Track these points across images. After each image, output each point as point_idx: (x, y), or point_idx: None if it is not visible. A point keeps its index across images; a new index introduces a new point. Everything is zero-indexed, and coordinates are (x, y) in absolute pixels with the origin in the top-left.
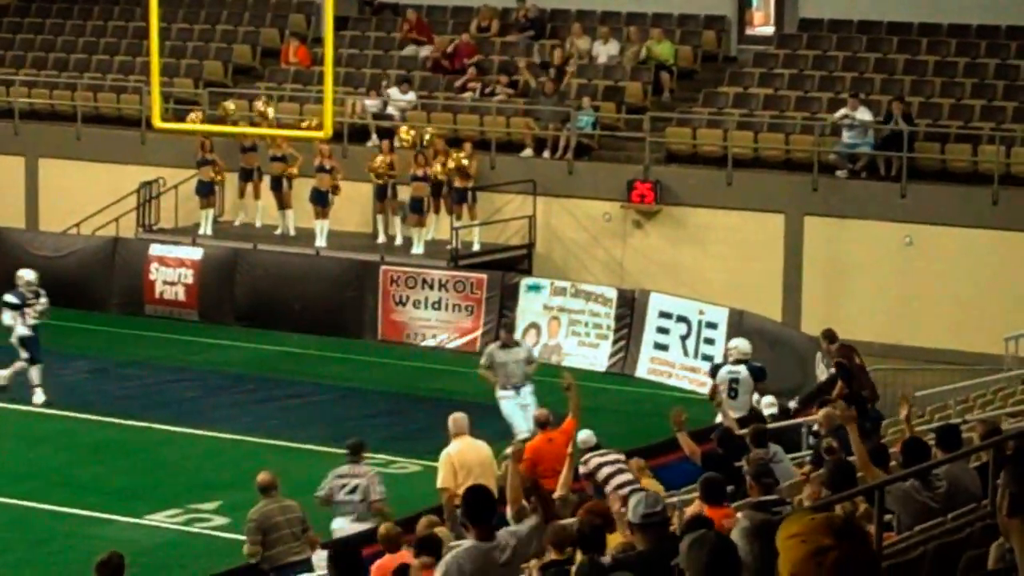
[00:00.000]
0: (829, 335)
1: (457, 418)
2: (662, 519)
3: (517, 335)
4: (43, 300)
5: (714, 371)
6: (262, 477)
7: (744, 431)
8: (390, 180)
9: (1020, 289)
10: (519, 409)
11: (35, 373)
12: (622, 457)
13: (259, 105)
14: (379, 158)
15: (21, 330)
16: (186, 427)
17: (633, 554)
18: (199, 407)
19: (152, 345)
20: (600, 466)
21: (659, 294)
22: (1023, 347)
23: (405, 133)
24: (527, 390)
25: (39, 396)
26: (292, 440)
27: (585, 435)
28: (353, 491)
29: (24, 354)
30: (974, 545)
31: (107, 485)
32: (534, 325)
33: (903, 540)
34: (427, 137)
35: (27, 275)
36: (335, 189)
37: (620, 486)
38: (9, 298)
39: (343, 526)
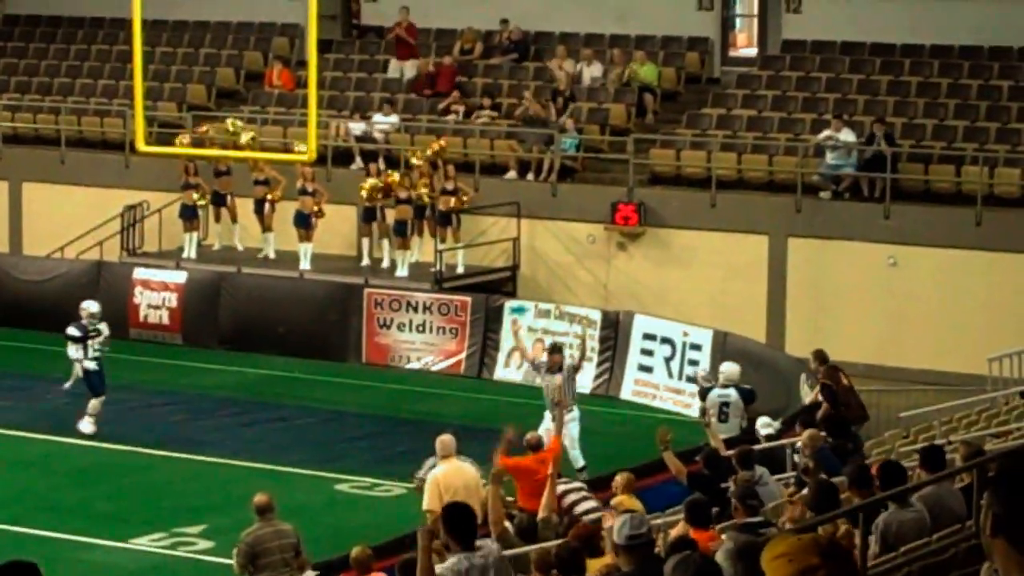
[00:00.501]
0: (820, 355)
1: (444, 440)
2: (647, 541)
3: (504, 357)
4: (104, 331)
5: (704, 394)
6: (259, 499)
7: (730, 452)
8: (379, 203)
9: (1003, 309)
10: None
11: (94, 403)
12: (585, 486)
13: (227, 125)
14: (369, 181)
15: (87, 364)
16: (171, 451)
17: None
18: (184, 431)
19: (136, 369)
20: (566, 493)
21: (643, 316)
22: (1007, 367)
23: (419, 156)
24: (565, 417)
25: (87, 426)
26: (277, 463)
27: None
28: None
29: (72, 386)
30: (959, 566)
31: (91, 509)
32: (518, 348)
33: (888, 560)
34: (431, 153)
35: (91, 307)
36: (319, 212)
37: (586, 512)
38: (72, 331)
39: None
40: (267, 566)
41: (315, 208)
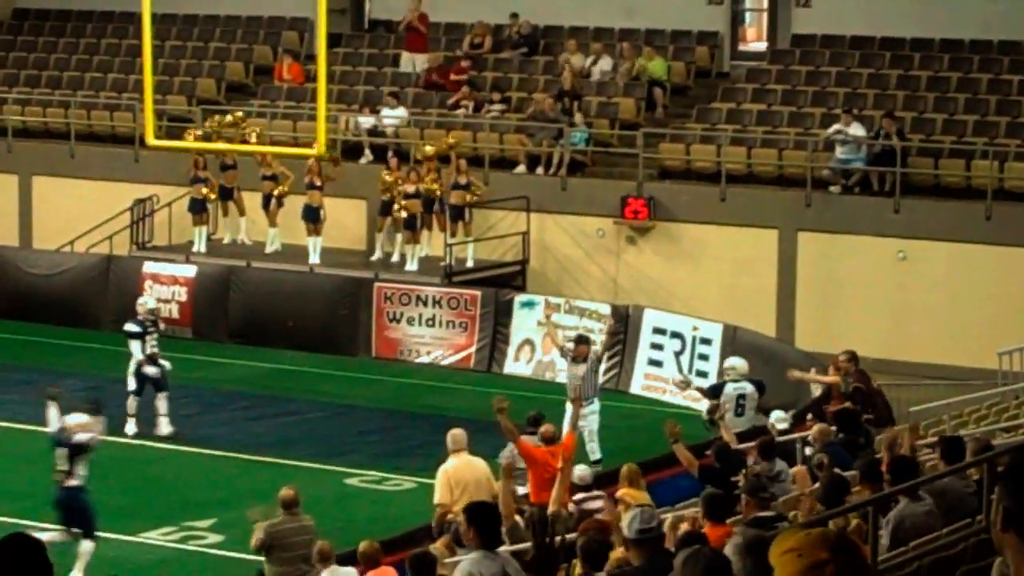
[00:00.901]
0: (853, 357)
1: (456, 434)
2: (657, 534)
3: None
4: (160, 327)
5: (716, 391)
6: (284, 492)
7: (742, 446)
8: (391, 197)
9: (1013, 304)
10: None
11: (161, 404)
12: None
13: (230, 119)
14: (387, 175)
15: (148, 370)
16: (180, 445)
17: (629, 569)
18: (193, 424)
19: None
20: (598, 511)
21: (653, 310)
22: (1017, 361)
23: (425, 152)
24: (585, 409)
25: (162, 427)
26: (286, 457)
27: (581, 471)
28: None
29: (132, 385)
30: (969, 560)
31: (101, 503)
32: (528, 342)
33: (898, 555)
34: (448, 148)
35: (148, 302)
36: (332, 163)
37: None
38: (130, 327)
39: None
40: (287, 560)
41: (329, 174)
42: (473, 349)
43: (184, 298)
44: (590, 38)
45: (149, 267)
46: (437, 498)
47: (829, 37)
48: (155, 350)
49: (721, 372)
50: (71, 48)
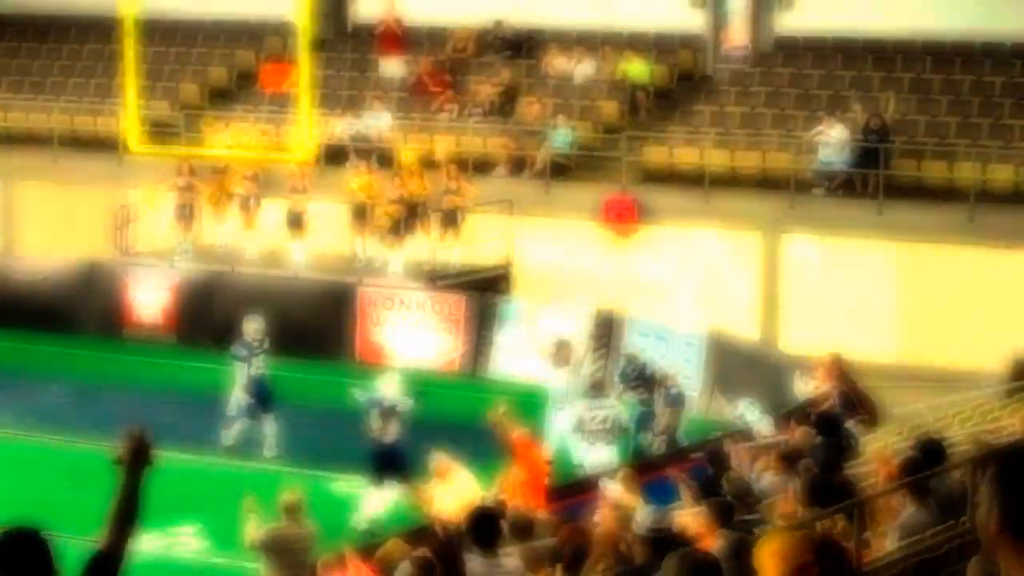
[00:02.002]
0: (837, 358)
1: (445, 456)
2: (668, 535)
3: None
4: (266, 347)
5: (680, 400)
6: (287, 497)
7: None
8: (370, 201)
9: (997, 305)
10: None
11: (267, 426)
12: None
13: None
14: (357, 180)
15: (244, 382)
16: (164, 450)
17: (632, 569)
18: (177, 430)
19: (130, 368)
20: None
21: (637, 313)
22: (1000, 363)
23: (406, 155)
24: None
25: (269, 448)
26: (271, 462)
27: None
28: (603, 421)
29: (234, 411)
30: (954, 562)
31: (85, 509)
32: (512, 345)
33: (883, 557)
34: (435, 155)
35: (254, 323)
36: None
37: None
38: (237, 350)
39: (591, 454)
40: (284, 565)
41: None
42: (457, 353)
43: (168, 303)
44: (573, 41)
45: (133, 272)
46: (446, 510)
47: (812, 39)
48: (260, 371)
49: (663, 378)
50: (54, 53)
